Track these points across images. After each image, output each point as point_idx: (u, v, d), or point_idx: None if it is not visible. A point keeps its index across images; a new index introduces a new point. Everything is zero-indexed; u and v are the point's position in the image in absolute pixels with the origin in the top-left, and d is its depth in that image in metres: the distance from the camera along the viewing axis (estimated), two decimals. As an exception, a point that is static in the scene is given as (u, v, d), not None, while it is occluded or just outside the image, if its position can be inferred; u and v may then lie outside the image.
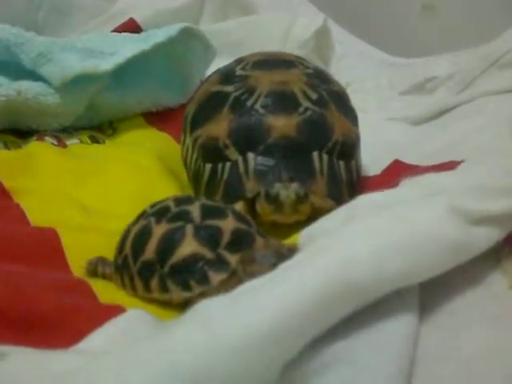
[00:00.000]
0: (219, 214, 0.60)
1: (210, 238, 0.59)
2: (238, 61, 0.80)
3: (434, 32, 1.19)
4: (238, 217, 0.61)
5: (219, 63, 0.86)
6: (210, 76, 0.82)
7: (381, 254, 0.49)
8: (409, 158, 0.80)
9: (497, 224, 0.54)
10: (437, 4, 1.21)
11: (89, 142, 0.90)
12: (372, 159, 0.82)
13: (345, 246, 0.50)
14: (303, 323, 0.46)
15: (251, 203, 0.72)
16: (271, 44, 0.98)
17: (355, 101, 0.81)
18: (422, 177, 0.63)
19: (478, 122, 0.82)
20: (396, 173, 0.72)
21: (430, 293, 0.53)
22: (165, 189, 0.78)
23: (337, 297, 0.48)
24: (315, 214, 0.65)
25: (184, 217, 0.60)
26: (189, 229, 0.59)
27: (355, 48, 1.14)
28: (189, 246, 0.58)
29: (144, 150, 0.86)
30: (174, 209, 0.61)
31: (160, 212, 0.61)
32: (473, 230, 0.53)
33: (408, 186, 0.62)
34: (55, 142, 0.87)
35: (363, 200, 0.59)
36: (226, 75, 0.78)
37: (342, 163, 0.75)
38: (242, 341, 0.45)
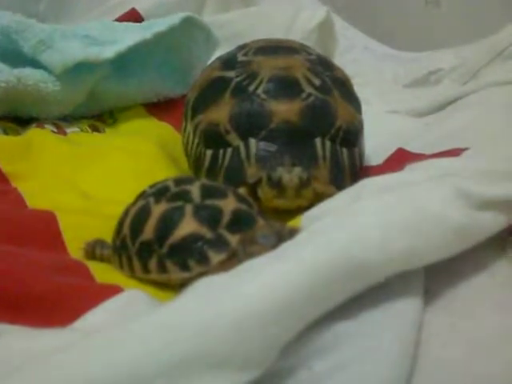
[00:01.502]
0: (219, 194, 0.59)
1: (210, 217, 0.57)
2: (240, 47, 0.79)
3: (438, 27, 1.18)
4: (239, 197, 0.60)
5: (221, 54, 0.86)
6: (211, 62, 0.82)
7: (387, 232, 0.48)
8: (412, 147, 0.79)
9: (502, 210, 0.54)
10: (441, -2, 1.20)
11: (89, 130, 0.89)
12: (375, 149, 0.81)
13: (350, 224, 0.49)
14: (305, 301, 0.45)
15: (253, 189, 0.71)
16: (274, 36, 0.97)
17: (358, 94, 0.80)
18: (426, 161, 0.62)
19: (482, 112, 0.81)
20: (400, 161, 0.71)
21: (435, 279, 0.52)
22: (164, 175, 0.76)
23: (340, 275, 0.46)
24: (317, 201, 0.63)
25: (183, 196, 0.58)
26: (188, 208, 0.58)
27: (359, 42, 1.13)
28: (188, 226, 0.57)
29: (144, 139, 0.85)
30: (173, 189, 0.59)
31: (159, 192, 0.60)
32: (477, 215, 0.53)
33: (413, 170, 0.61)
34: (55, 130, 0.87)
35: (367, 182, 0.59)
36: (228, 61, 0.77)
37: (345, 150, 0.74)
38: (242, 318, 0.43)
